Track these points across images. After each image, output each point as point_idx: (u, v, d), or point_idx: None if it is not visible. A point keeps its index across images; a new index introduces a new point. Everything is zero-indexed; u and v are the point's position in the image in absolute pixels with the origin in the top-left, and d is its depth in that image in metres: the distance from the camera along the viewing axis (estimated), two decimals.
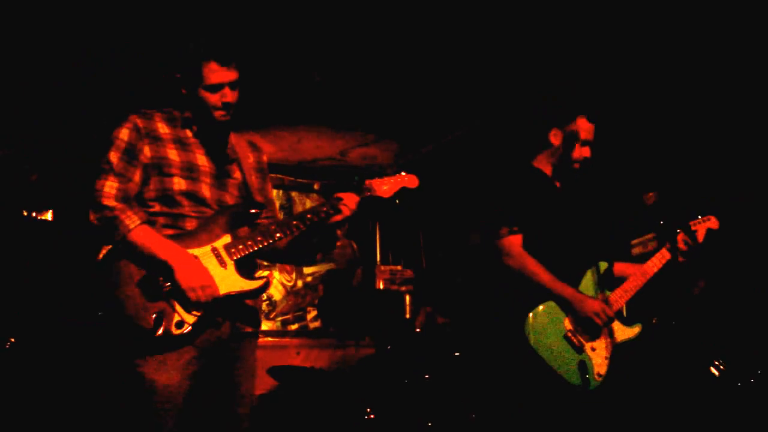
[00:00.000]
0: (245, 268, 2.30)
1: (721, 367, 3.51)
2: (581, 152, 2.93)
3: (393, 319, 5.45)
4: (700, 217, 3.11)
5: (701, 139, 4.46)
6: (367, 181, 2.53)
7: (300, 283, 6.24)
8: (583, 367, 2.63)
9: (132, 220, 2.18)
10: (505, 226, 2.82)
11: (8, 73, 4.11)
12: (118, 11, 3.50)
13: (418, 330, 4.39)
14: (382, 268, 6.09)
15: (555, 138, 2.96)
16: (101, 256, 2.23)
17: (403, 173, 2.62)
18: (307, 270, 6.28)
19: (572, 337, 2.68)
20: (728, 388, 3.50)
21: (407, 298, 5.57)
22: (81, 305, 4.10)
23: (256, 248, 2.31)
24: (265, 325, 5.98)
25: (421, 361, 4.18)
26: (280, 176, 6.21)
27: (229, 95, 2.34)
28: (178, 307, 2.15)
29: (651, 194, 2.95)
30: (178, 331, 2.14)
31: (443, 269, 5.90)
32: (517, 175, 3.00)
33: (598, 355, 2.70)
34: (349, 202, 2.40)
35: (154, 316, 2.12)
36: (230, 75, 2.34)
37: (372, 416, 3.97)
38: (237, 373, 2.34)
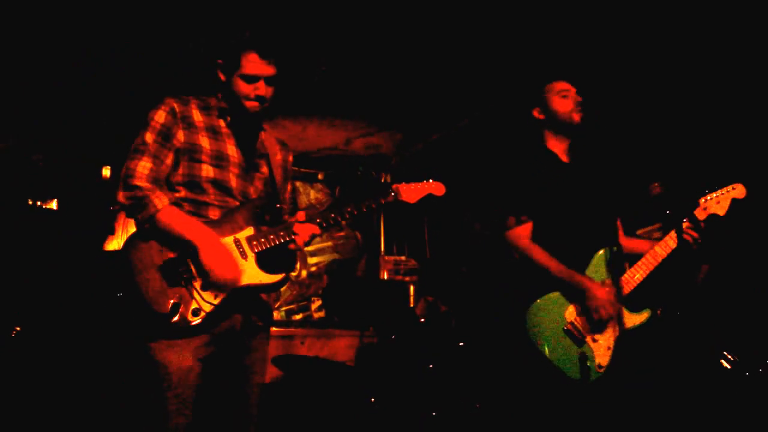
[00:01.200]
0: (265, 262, 2.32)
1: (732, 358, 3.49)
2: (567, 105, 2.88)
3: (397, 309, 5.45)
4: (725, 187, 2.90)
5: (708, 128, 4.45)
6: (395, 185, 2.57)
7: (304, 273, 6.25)
8: (584, 359, 2.61)
9: (161, 200, 2.22)
10: (512, 216, 2.81)
11: (12, 63, 4.11)
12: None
13: (421, 320, 4.39)
14: (387, 258, 6.10)
15: (539, 114, 2.96)
16: (107, 245, 2.24)
17: (431, 180, 2.67)
18: (311, 260, 6.29)
19: (573, 330, 2.66)
20: (738, 380, 3.48)
21: (411, 288, 5.58)
22: (92, 292, 4.13)
23: (277, 242, 2.34)
24: None
25: (425, 351, 4.19)
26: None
27: (263, 89, 2.39)
28: (196, 295, 2.18)
29: (656, 184, 2.92)
30: (194, 319, 2.16)
31: (448, 259, 5.90)
32: (524, 160, 2.96)
33: (601, 347, 2.67)
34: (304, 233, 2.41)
35: (172, 301, 2.15)
36: (268, 70, 2.39)
37: (376, 406, 3.98)
38: (248, 363, 2.37)
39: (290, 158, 2.68)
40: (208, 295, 2.20)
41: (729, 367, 3.47)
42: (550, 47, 4.01)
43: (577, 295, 2.69)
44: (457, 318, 4.50)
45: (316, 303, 6.27)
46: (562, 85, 2.94)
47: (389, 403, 3.99)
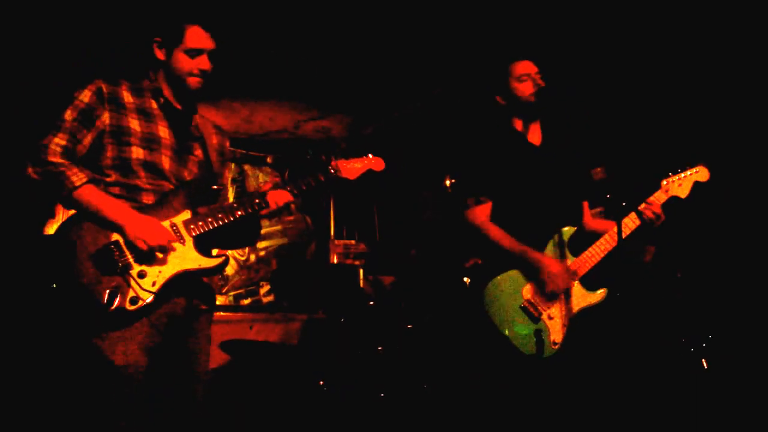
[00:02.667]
0: (203, 246, 2.28)
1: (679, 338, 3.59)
2: (527, 88, 2.90)
3: (346, 292, 5.47)
4: (688, 168, 2.90)
5: (654, 112, 4.56)
6: (334, 162, 2.54)
7: (253, 258, 6.20)
8: (539, 336, 2.67)
9: (78, 177, 2.14)
10: (471, 197, 2.85)
11: None
12: None
13: (370, 303, 4.42)
14: (336, 242, 6.11)
15: (502, 100, 2.98)
16: (47, 229, 2.18)
17: (371, 156, 2.65)
18: (260, 244, 6.24)
19: (529, 307, 2.72)
20: (685, 358, 3.60)
21: (361, 271, 5.60)
22: (30, 281, 3.97)
23: (216, 225, 2.29)
24: (218, 300, 5.93)
25: (374, 333, 4.22)
26: (232, 149, 6.10)
27: (206, 63, 2.36)
28: (133, 283, 2.13)
29: (599, 169, 3.00)
30: (132, 308, 2.11)
31: (397, 242, 5.94)
32: (486, 141, 2.98)
33: (556, 323, 2.72)
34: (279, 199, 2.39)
35: (108, 290, 2.09)
36: (210, 44, 2.36)
37: (325, 388, 4.00)
38: (192, 348, 2.33)
39: (227, 144, 2.63)
40: (146, 283, 2.15)
41: (679, 347, 3.59)
42: (513, 27, 4.01)
43: (533, 272, 2.75)
44: (406, 300, 4.54)
45: (265, 287, 6.23)
46: (521, 68, 2.93)
47: (338, 385, 4.02)
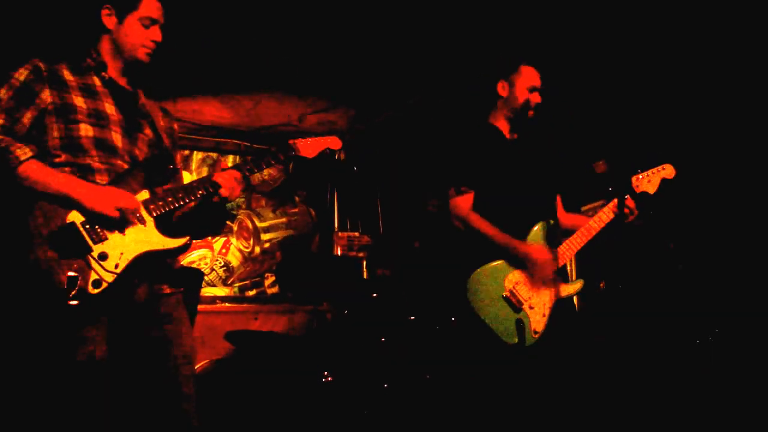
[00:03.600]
0: (166, 225, 2.20)
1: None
2: (531, 99, 2.98)
3: (350, 284, 5.50)
4: (656, 167, 3.05)
5: (654, 105, 4.58)
6: (291, 141, 2.54)
7: (257, 250, 6.24)
8: (520, 325, 2.73)
9: (23, 152, 2.03)
10: (453, 187, 2.89)
11: None
12: None
13: (374, 295, 4.46)
14: (340, 234, 6.13)
15: (503, 90, 3.02)
16: None
17: (325, 136, 2.66)
18: (264, 236, 6.28)
19: (511, 297, 2.77)
20: (669, 349, 3.65)
21: (364, 263, 5.63)
22: None
23: (177, 204, 2.22)
24: (223, 291, 5.98)
25: (378, 324, 4.26)
26: (236, 142, 6.15)
27: (159, 35, 2.30)
28: (95, 265, 2.01)
29: (601, 162, 3.02)
30: (95, 290, 1.99)
31: (401, 235, 5.97)
32: (468, 133, 3.04)
33: (537, 313, 2.78)
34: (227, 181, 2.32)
35: (70, 273, 1.96)
36: (162, 17, 2.32)
37: (329, 379, 4.04)
38: (164, 334, 2.22)
39: (176, 126, 2.56)
40: (108, 264, 2.03)
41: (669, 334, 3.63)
42: (501, 24, 4.06)
43: (517, 261, 2.80)
44: (409, 292, 4.57)
45: (270, 279, 6.27)
46: (534, 78, 3.01)
47: (342, 375, 4.05)
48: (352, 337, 4.35)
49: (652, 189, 3.02)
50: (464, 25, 4.10)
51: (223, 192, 2.30)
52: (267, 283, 6.26)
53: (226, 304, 5.93)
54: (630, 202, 2.87)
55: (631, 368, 3.56)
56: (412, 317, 4.22)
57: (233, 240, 6.11)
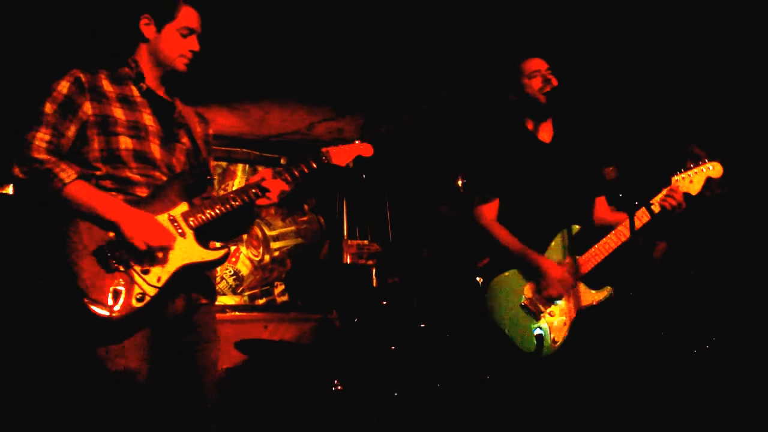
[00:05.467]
0: (203, 238, 2.22)
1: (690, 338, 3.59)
2: (537, 84, 2.90)
3: (360, 292, 5.50)
4: (699, 162, 2.84)
5: (664, 112, 4.55)
6: (324, 149, 2.52)
7: (267, 258, 6.24)
8: (539, 334, 2.68)
9: (67, 174, 2.04)
10: (478, 195, 2.87)
11: None
12: None
13: (383, 303, 4.45)
14: (350, 242, 6.13)
15: (514, 96, 2.98)
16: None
17: (357, 141, 2.64)
18: (274, 245, 6.29)
19: (530, 306, 2.73)
20: (689, 357, 3.61)
21: (374, 271, 5.63)
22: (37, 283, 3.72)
23: (215, 215, 2.23)
24: (233, 300, 5.99)
25: (388, 332, 4.25)
26: (246, 150, 6.18)
27: (197, 45, 2.31)
28: (138, 279, 2.05)
29: (611, 168, 3.00)
30: (139, 305, 2.02)
31: (410, 242, 5.96)
32: (496, 140, 2.99)
33: (557, 322, 2.74)
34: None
35: (112, 288, 2.00)
36: (200, 27, 2.32)
37: (340, 387, 4.03)
38: (197, 345, 2.25)
39: (210, 131, 2.56)
40: (150, 278, 2.06)
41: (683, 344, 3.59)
42: (523, 25, 4.01)
43: (532, 273, 2.77)
44: (419, 299, 4.56)
45: (279, 287, 6.27)
46: (532, 65, 2.93)
47: (352, 384, 4.05)
48: (362, 345, 4.34)
49: (695, 189, 2.81)
50: (474, 30, 4.09)
51: (271, 196, 2.33)
52: (277, 291, 6.26)
53: (236, 313, 5.93)
54: (678, 194, 2.74)
55: (640, 375, 3.53)
56: (423, 325, 4.21)
57: (243, 249, 6.12)
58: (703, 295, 3.75)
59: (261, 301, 6.16)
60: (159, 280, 2.08)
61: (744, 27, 3.83)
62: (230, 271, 6.03)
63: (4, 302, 3.69)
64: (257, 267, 6.19)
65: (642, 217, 2.79)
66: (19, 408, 3.47)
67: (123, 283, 2.02)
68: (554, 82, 2.90)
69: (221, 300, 5.84)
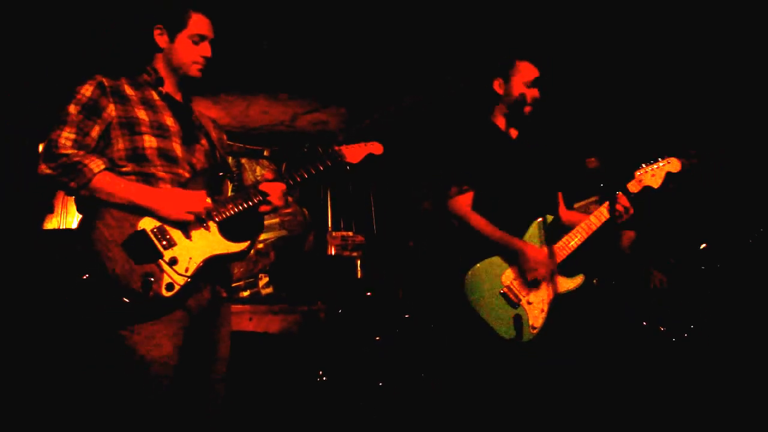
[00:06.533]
0: (228, 231, 2.29)
1: (662, 322, 3.66)
2: (528, 94, 2.97)
3: (344, 283, 5.51)
4: (659, 159, 2.98)
5: (645, 101, 4.59)
6: (336, 147, 2.58)
7: (251, 250, 6.22)
8: (518, 320, 2.73)
9: (96, 164, 2.12)
10: (454, 186, 2.90)
11: None
12: None
13: (368, 294, 4.46)
14: (334, 234, 6.13)
15: (500, 87, 3.02)
16: (46, 224, 2.16)
17: (368, 142, 2.70)
18: (258, 237, 6.28)
19: (508, 293, 2.78)
20: (666, 344, 3.67)
21: (358, 262, 5.64)
22: (35, 274, 3.84)
23: (237, 210, 2.31)
24: None
25: (372, 323, 4.26)
26: (229, 142, 6.15)
27: (209, 51, 2.38)
28: (166, 268, 2.12)
29: (593, 159, 3.04)
30: (169, 294, 2.10)
31: (395, 234, 5.97)
32: (467, 132, 3.04)
33: (535, 308, 2.79)
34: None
35: (143, 279, 2.07)
36: (211, 32, 2.39)
37: (324, 378, 4.04)
38: (215, 337, 2.34)
39: (224, 137, 2.66)
40: (179, 268, 2.14)
41: (658, 330, 3.65)
42: (496, 22, 4.05)
43: (513, 258, 2.81)
44: (404, 290, 4.58)
45: (264, 279, 6.26)
46: (531, 72, 2.99)
47: (337, 375, 4.06)
48: (347, 336, 4.35)
49: (656, 183, 2.95)
50: (458, 23, 4.10)
51: (273, 200, 2.39)
52: (261, 283, 6.25)
53: None
54: (623, 200, 2.85)
55: (628, 365, 3.58)
56: (407, 316, 4.23)
57: None
58: (683, 283, 3.80)
59: (245, 294, 6.15)
60: (187, 270, 2.16)
61: (711, 16, 3.88)
62: None
63: (41, 297, 3.78)
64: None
65: (604, 212, 2.89)
66: (54, 394, 3.56)
67: (153, 273, 2.09)
68: (537, 94, 2.98)
69: None
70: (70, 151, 2.13)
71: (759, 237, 3.69)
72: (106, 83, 2.25)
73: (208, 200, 2.26)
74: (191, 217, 2.17)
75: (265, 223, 6.33)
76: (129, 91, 2.31)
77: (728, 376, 3.51)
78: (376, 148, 2.70)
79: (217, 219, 2.28)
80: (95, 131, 2.20)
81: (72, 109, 2.19)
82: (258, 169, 6.35)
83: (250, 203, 2.35)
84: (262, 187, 2.38)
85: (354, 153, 2.62)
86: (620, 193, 2.90)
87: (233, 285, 5.96)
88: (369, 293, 4.48)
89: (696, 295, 3.78)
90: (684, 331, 3.65)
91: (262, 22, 4.03)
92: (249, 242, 2.32)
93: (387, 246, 5.68)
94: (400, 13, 3.98)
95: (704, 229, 3.99)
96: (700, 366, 3.58)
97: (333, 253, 5.94)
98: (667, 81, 4.48)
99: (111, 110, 2.23)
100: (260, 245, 6.28)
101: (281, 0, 3.80)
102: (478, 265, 2.79)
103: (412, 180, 5.86)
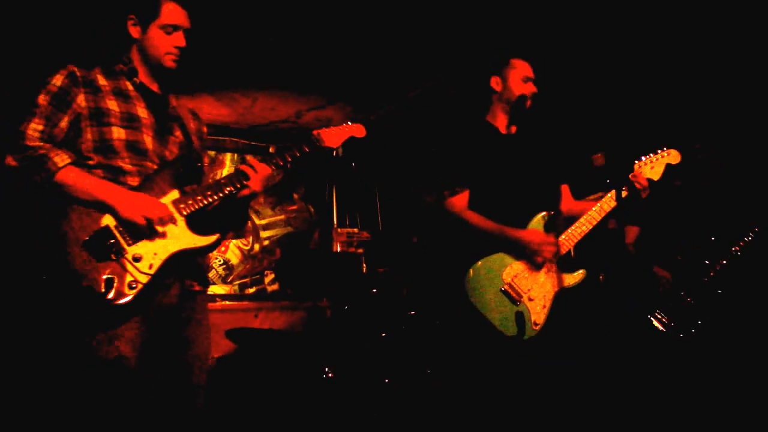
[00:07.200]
0: (196, 224, 2.24)
1: (663, 319, 3.66)
2: (526, 90, 2.97)
3: (350, 279, 5.51)
4: (659, 151, 2.99)
5: (649, 97, 4.58)
6: (315, 132, 2.53)
7: (257, 247, 6.24)
8: (520, 317, 2.72)
9: (61, 158, 2.09)
10: (449, 188, 2.90)
11: None
12: None
13: (373, 291, 4.46)
14: (339, 230, 6.14)
15: (497, 85, 3.02)
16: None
17: (349, 122, 2.66)
18: (264, 234, 6.28)
19: (509, 290, 2.77)
20: (670, 340, 3.66)
21: (363, 259, 5.64)
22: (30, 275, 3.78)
23: (206, 202, 2.26)
24: (223, 289, 5.99)
25: (378, 320, 4.26)
26: (234, 139, 6.16)
27: (182, 40, 2.33)
28: (129, 267, 2.06)
29: (599, 155, 3.02)
30: (131, 292, 2.04)
31: (400, 230, 5.97)
32: (461, 133, 3.04)
33: (537, 305, 2.78)
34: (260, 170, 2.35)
35: (105, 277, 2.02)
36: (186, 22, 2.34)
37: (330, 375, 4.05)
38: (189, 333, 2.28)
39: (204, 129, 2.59)
40: (142, 266, 2.09)
41: (661, 328, 3.65)
42: (497, 18, 4.04)
43: (515, 248, 2.80)
44: (409, 287, 4.58)
45: (270, 276, 6.28)
46: (527, 69, 3.01)
47: (343, 371, 4.06)
48: (352, 332, 4.35)
49: (656, 176, 2.95)
50: (461, 19, 4.09)
51: (253, 185, 2.33)
52: (267, 280, 6.26)
53: (226, 302, 5.93)
54: (641, 178, 2.86)
55: (631, 362, 3.57)
56: (412, 312, 4.23)
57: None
58: (689, 281, 3.79)
59: (251, 290, 6.16)
60: (151, 267, 2.11)
61: (711, 14, 3.86)
62: (220, 261, 6.03)
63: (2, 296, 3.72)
64: (247, 256, 6.18)
65: (605, 205, 2.90)
66: (13, 397, 3.50)
67: (115, 271, 2.04)
68: (534, 89, 2.99)
69: (212, 289, 5.84)
70: (36, 144, 2.10)
71: (758, 236, 3.68)
72: (78, 73, 2.22)
73: (170, 208, 2.19)
74: (144, 222, 2.11)
75: (271, 220, 6.36)
76: (102, 81, 2.27)
77: (730, 377, 3.50)
78: (359, 130, 2.66)
79: (184, 212, 2.22)
80: (64, 122, 2.17)
81: (42, 99, 2.16)
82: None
83: (221, 194, 2.28)
84: (244, 167, 2.33)
85: (333, 136, 2.58)
86: (625, 187, 2.89)
87: (239, 282, 6.02)
88: (374, 290, 4.48)
89: (703, 293, 3.76)
90: (690, 329, 3.63)
91: (268, 18, 4.03)
92: (218, 235, 2.25)
93: (392, 243, 5.68)
94: (406, 9, 3.97)
95: (710, 225, 3.97)
96: (703, 366, 3.57)
97: (338, 249, 5.94)
98: (667, 81, 4.47)
99: (81, 100, 2.19)
100: (266, 242, 6.29)
101: None
102: (479, 263, 2.78)
103: (417, 176, 5.85)
